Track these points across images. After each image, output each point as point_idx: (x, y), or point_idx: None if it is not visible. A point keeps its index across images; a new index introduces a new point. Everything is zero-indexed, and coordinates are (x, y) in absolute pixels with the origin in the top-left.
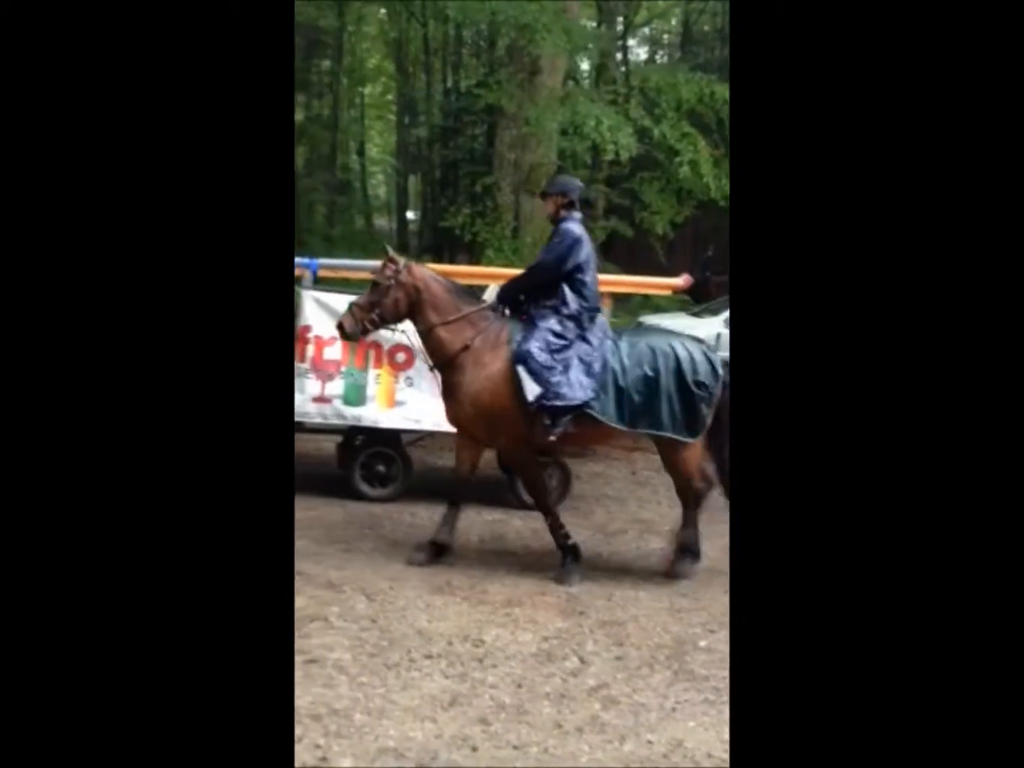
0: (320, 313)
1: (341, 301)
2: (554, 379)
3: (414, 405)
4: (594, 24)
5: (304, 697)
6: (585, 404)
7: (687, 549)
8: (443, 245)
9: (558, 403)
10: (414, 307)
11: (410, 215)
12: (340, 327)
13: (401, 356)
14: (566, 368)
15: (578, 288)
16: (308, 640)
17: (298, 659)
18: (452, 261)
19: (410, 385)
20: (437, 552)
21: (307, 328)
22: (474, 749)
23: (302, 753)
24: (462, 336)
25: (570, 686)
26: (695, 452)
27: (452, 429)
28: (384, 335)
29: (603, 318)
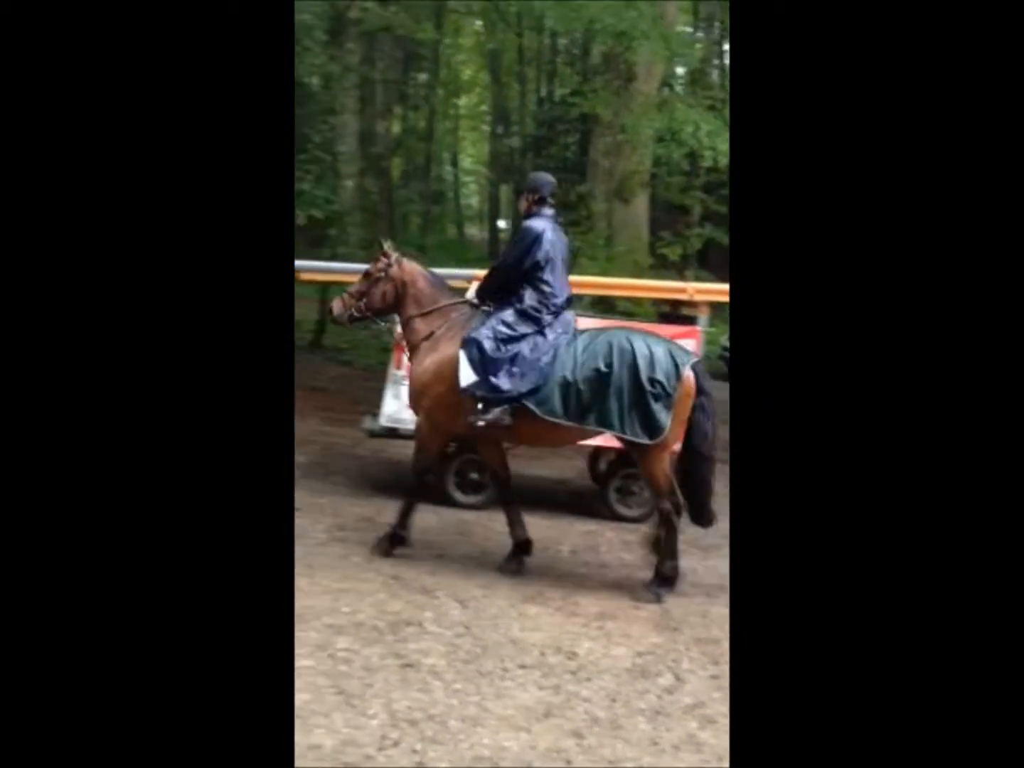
0: None
1: None
2: (493, 369)
3: None
4: (690, 29)
5: (401, 701)
6: (519, 396)
7: None
8: None
9: (489, 392)
10: (399, 300)
11: (501, 224)
12: (330, 311)
13: None
14: (512, 360)
15: (536, 285)
16: (404, 644)
17: (395, 663)
18: None
19: None
20: (524, 552)
21: None
22: (568, 762)
23: (400, 757)
24: (431, 325)
25: (665, 703)
26: (661, 460)
27: None
28: None
29: (569, 315)
